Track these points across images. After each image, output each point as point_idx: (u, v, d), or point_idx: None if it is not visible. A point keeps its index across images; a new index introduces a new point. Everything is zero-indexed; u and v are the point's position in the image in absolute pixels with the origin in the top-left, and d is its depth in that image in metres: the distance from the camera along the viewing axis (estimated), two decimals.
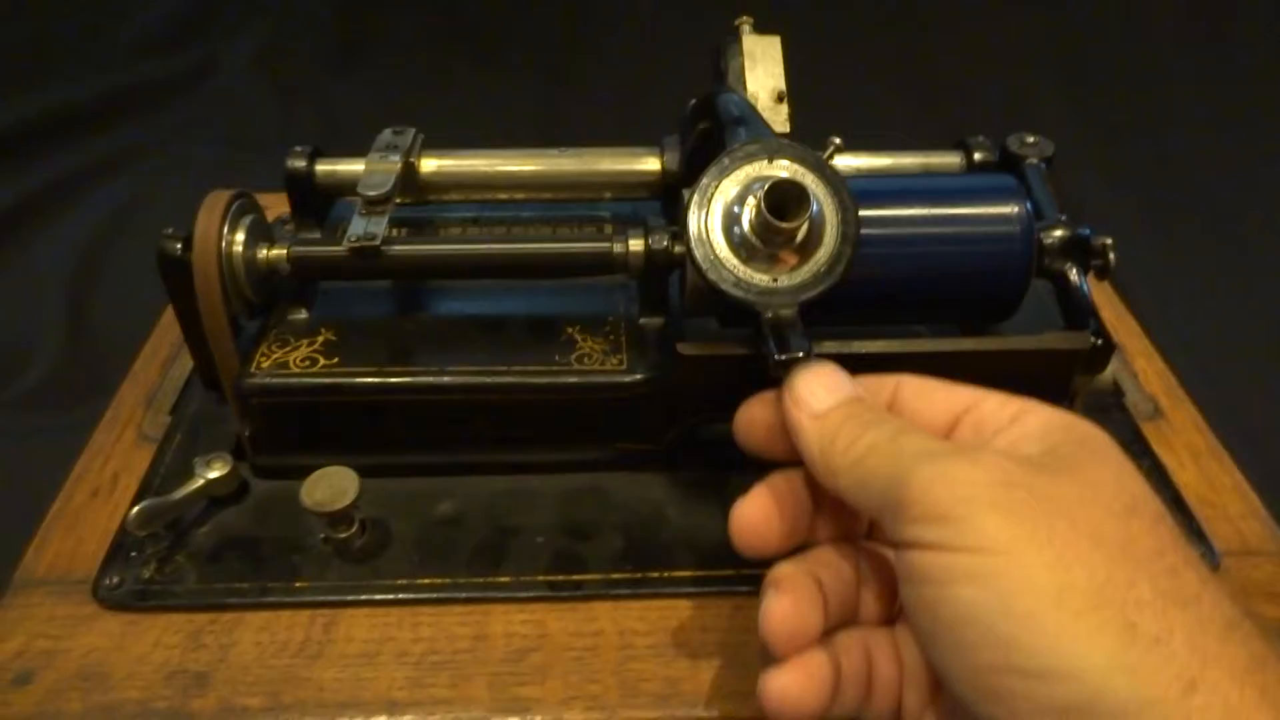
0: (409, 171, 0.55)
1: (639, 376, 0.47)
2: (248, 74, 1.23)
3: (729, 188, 0.43)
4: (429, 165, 0.56)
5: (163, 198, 1.04)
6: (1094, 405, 0.54)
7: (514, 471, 0.50)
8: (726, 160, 0.43)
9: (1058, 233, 0.49)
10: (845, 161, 0.56)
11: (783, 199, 0.41)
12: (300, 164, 0.55)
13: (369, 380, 0.47)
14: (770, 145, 0.43)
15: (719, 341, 0.46)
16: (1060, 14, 1.10)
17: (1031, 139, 0.56)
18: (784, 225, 0.41)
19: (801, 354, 0.39)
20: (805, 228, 0.41)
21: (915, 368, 0.46)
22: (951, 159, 0.57)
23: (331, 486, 0.45)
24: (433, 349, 0.49)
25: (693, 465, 0.51)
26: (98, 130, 1.18)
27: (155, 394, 0.57)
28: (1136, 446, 0.53)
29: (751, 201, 0.42)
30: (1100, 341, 0.46)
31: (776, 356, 0.39)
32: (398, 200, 0.56)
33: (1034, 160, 0.55)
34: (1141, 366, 0.59)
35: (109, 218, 1.04)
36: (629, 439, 0.50)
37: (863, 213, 0.45)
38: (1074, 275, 0.49)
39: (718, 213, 0.43)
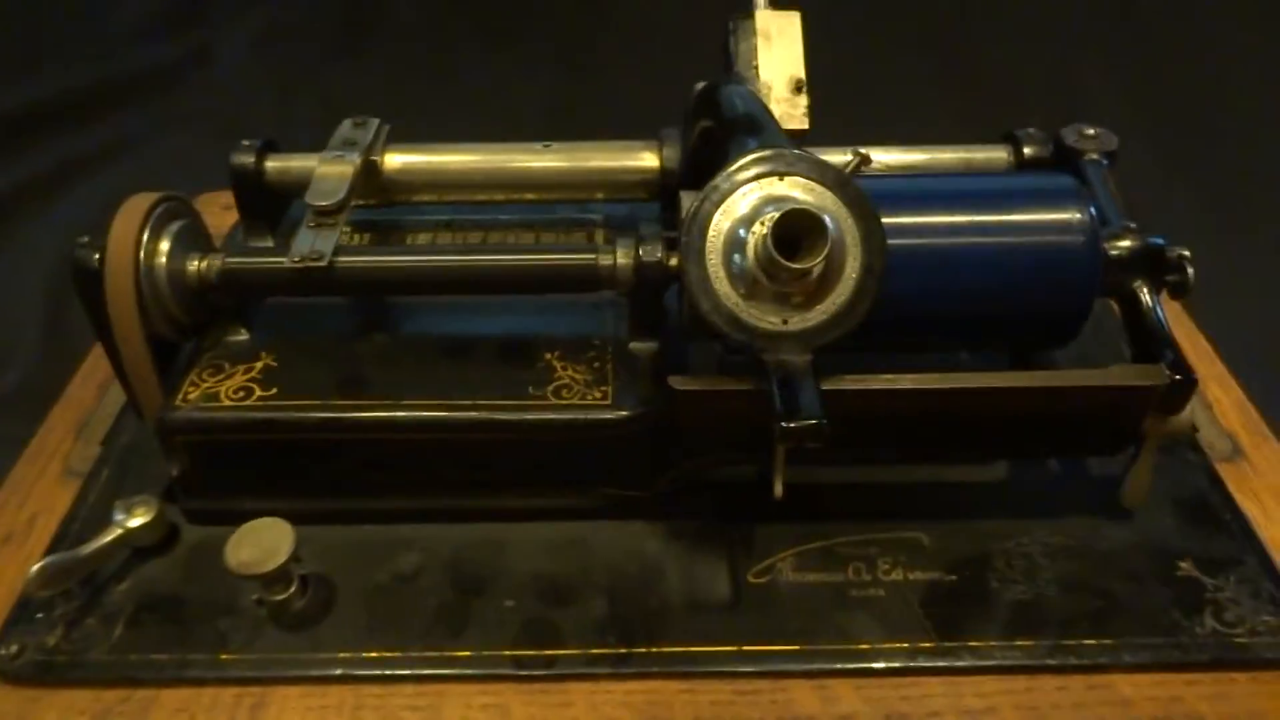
0: (371, 170, 0.48)
1: (625, 413, 0.40)
2: (245, 62, 1.18)
3: (733, 207, 0.36)
4: (394, 162, 0.49)
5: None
6: (1160, 445, 0.46)
7: (482, 518, 0.43)
8: (730, 178, 0.36)
9: (1125, 243, 0.41)
10: (878, 158, 0.48)
11: (795, 231, 0.34)
12: (247, 160, 0.48)
13: (309, 415, 0.41)
14: (782, 159, 0.36)
15: (720, 376, 0.38)
16: None
17: (1091, 131, 0.48)
18: (795, 266, 0.34)
19: (813, 421, 0.32)
20: (821, 265, 0.34)
21: (955, 405, 0.39)
22: (998, 154, 0.49)
23: (261, 543, 0.39)
24: (388, 376, 0.42)
25: (692, 513, 0.44)
26: (89, 120, 1.13)
27: (88, 420, 0.50)
28: (1214, 494, 0.45)
29: (758, 230, 0.35)
30: (1179, 377, 0.38)
31: (783, 423, 0.32)
32: (362, 202, 0.50)
33: (1094, 156, 0.47)
34: (1216, 396, 0.51)
35: (99, 211, 0.99)
36: (615, 484, 0.43)
37: (898, 219, 0.38)
38: (1145, 295, 0.41)
39: (718, 236, 0.36)
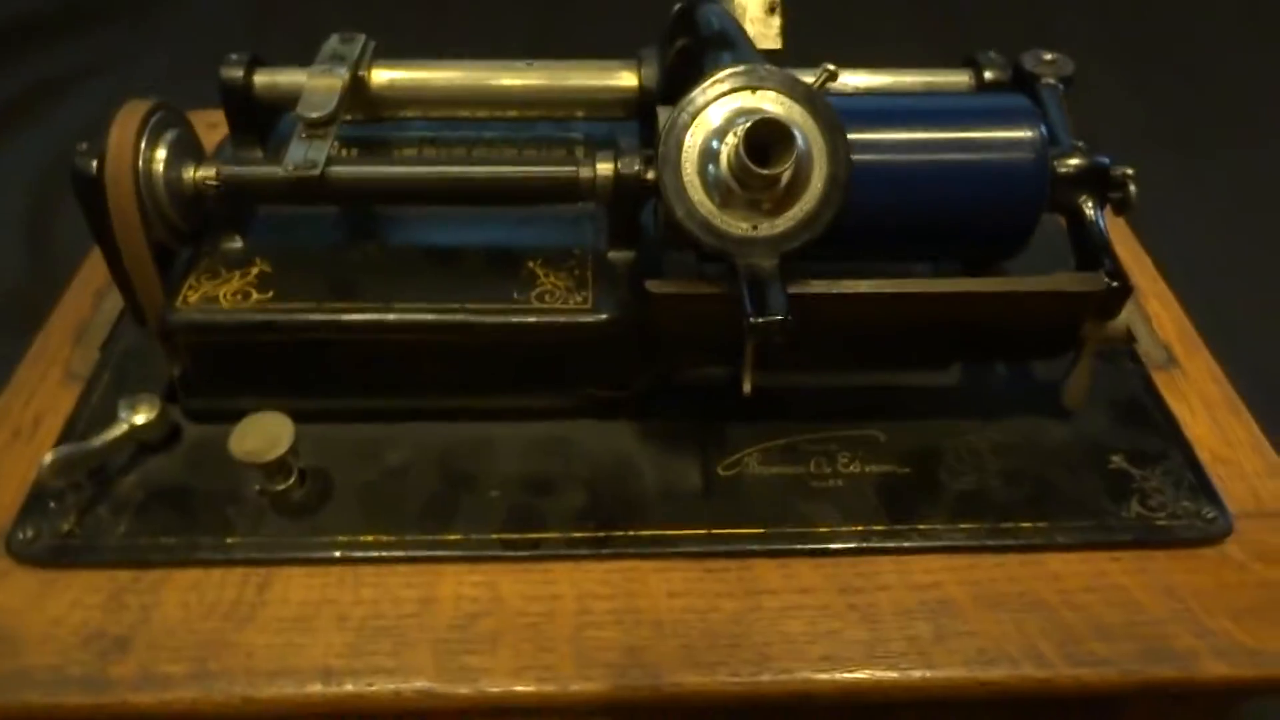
0: (358, 85, 0.50)
1: (603, 316, 0.43)
2: None
3: (707, 119, 0.38)
4: (380, 78, 0.51)
5: None
6: (1102, 353, 0.49)
7: (469, 418, 0.46)
8: (705, 91, 0.38)
9: (1074, 161, 0.44)
10: (843, 79, 0.50)
11: (765, 140, 0.36)
12: (236, 74, 0.50)
13: (305, 317, 0.43)
14: (754, 74, 0.39)
15: (694, 280, 0.41)
16: None
17: (1049, 56, 0.50)
18: (765, 172, 0.36)
19: (780, 317, 0.35)
20: (789, 173, 0.37)
21: (910, 310, 0.42)
22: (960, 78, 0.51)
23: (263, 434, 0.41)
24: (379, 282, 0.45)
25: (667, 413, 0.47)
26: (64, 41, 1.12)
27: (86, 327, 0.52)
28: (1147, 397, 0.49)
29: (731, 140, 0.37)
30: (1116, 284, 0.41)
31: (752, 318, 0.35)
32: (347, 117, 0.51)
33: (1051, 80, 0.49)
34: (1155, 310, 0.54)
35: (76, 133, 0.99)
36: (595, 384, 0.46)
37: (860, 136, 0.41)
38: (1089, 209, 0.44)
39: (693, 147, 0.38)
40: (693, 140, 0.39)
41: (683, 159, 0.39)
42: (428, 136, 0.53)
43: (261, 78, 0.50)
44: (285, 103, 0.50)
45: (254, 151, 0.51)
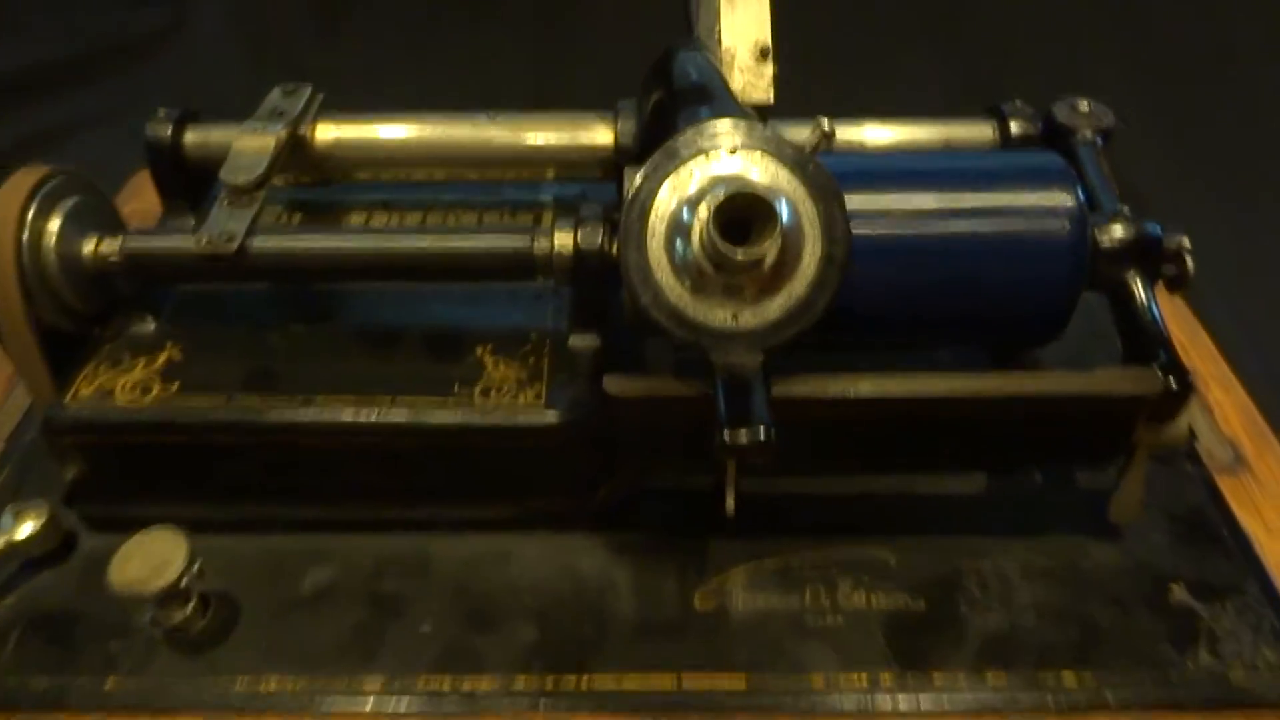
0: (299, 145, 0.44)
1: (556, 419, 0.36)
2: (220, 33, 1.14)
3: (677, 185, 0.32)
4: (325, 135, 0.45)
5: (120, 169, 0.96)
6: (1156, 454, 0.42)
7: (403, 529, 0.39)
8: (674, 154, 0.32)
9: (1118, 231, 0.37)
10: (845, 134, 0.44)
11: (743, 214, 0.30)
12: (163, 133, 0.44)
13: (208, 417, 0.37)
14: (734, 133, 0.32)
15: (662, 378, 0.34)
16: None
17: (1085, 106, 0.44)
18: (740, 256, 0.30)
19: (760, 435, 0.28)
20: (773, 253, 0.30)
21: (923, 412, 0.35)
22: (982, 130, 0.45)
23: (150, 557, 0.35)
24: (301, 372, 0.39)
25: (634, 526, 0.40)
26: (59, 92, 1.09)
27: None
28: (1212, 509, 0.41)
29: (702, 213, 0.31)
30: (1175, 382, 0.34)
31: (725, 433, 0.28)
32: (288, 179, 0.46)
33: (1088, 134, 0.43)
34: (1217, 399, 0.47)
35: None
36: (548, 495, 0.39)
37: (866, 202, 0.34)
38: (1139, 289, 0.37)
39: (660, 219, 0.32)
40: (661, 211, 0.33)
41: (648, 233, 0.33)
42: (380, 200, 0.48)
43: (192, 136, 0.45)
44: (218, 164, 0.45)
45: (185, 218, 0.46)
